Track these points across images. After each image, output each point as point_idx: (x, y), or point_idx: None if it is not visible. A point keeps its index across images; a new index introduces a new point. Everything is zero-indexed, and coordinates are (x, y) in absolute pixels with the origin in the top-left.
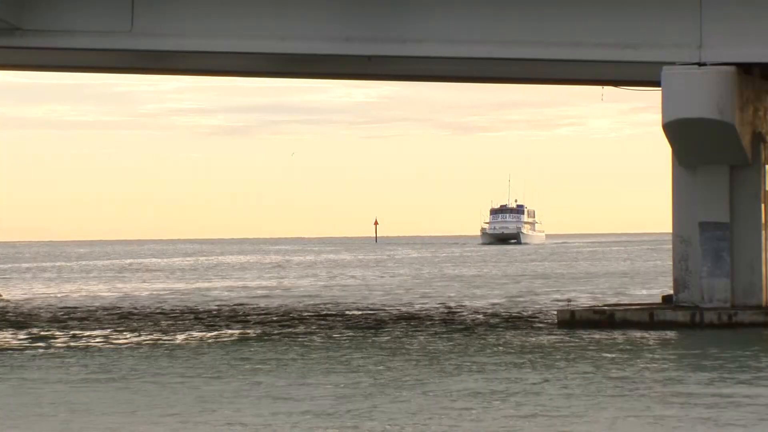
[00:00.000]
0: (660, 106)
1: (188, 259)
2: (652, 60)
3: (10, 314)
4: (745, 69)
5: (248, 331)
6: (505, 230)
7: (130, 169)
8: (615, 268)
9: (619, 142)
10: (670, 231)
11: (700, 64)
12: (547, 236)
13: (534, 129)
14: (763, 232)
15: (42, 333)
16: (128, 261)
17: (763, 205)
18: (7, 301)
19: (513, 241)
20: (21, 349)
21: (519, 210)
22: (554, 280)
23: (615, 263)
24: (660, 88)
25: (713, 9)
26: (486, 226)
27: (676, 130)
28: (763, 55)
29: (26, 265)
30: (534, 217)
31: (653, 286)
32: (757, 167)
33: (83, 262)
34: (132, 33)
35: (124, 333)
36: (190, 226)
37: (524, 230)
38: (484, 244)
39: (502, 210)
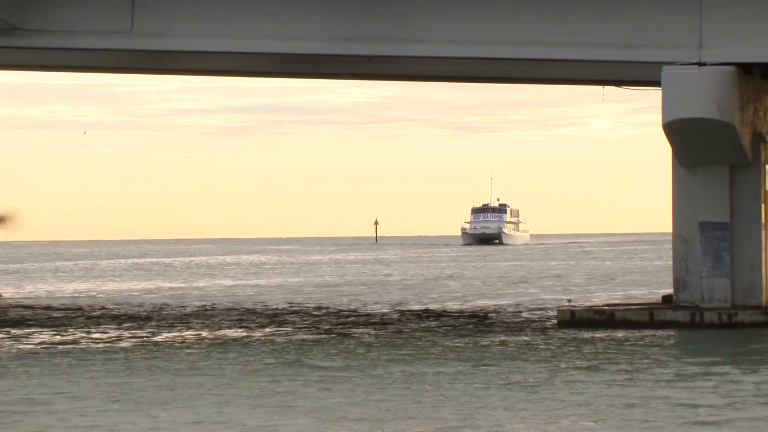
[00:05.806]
0: (660, 106)
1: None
2: (653, 60)
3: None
4: (745, 69)
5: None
6: (486, 230)
7: (131, 170)
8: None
9: (620, 142)
10: (670, 231)
11: (700, 64)
12: (533, 236)
13: (534, 129)
14: (763, 232)
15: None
16: (170, 260)
17: (763, 205)
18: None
19: (495, 241)
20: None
21: (501, 209)
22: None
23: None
24: (660, 88)
25: (713, 9)
26: (467, 225)
27: (676, 130)
28: (763, 55)
29: (67, 263)
30: (518, 216)
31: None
32: (757, 167)
33: (119, 261)
34: (132, 33)
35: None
36: (190, 226)
37: (506, 230)
38: (465, 244)
39: (484, 209)
